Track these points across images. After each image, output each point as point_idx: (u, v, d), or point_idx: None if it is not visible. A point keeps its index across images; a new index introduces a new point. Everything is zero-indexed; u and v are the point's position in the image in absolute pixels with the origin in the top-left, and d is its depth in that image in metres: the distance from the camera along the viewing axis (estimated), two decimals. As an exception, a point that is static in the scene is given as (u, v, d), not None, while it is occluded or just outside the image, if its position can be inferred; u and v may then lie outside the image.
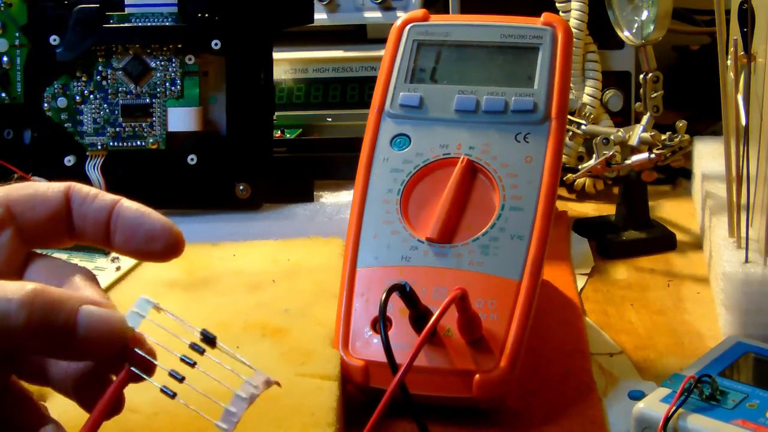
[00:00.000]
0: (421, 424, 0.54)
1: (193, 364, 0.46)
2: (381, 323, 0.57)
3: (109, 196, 0.51)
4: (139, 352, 0.47)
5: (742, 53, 0.71)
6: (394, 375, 0.54)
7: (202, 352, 0.47)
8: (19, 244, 0.50)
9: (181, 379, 0.46)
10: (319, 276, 0.72)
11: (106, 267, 0.74)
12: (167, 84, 0.83)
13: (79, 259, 0.75)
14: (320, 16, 0.95)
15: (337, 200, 0.85)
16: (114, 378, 0.47)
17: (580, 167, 0.86)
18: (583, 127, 0.88)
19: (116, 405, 0.48)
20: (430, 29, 0.71)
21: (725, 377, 0.58)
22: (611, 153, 0.82)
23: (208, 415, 0.46)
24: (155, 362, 0.47)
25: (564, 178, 0.90)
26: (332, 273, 0.69)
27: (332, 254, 0.75)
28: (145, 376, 0.47)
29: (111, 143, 0.83)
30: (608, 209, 0.89)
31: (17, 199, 0.50)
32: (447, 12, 0.96)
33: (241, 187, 0.83)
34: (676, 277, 0.79)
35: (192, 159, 0.82)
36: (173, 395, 0.46)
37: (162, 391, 0.46)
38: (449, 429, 0.59)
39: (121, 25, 0.82)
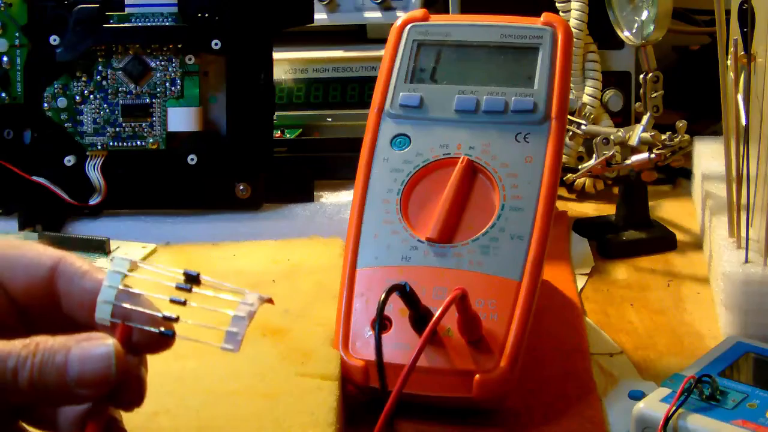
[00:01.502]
0: (389, 419, 0.54)
1: (183, 303, 0.46)
2: (377, 323, 0.57)
3: (96, 276, 0.48)
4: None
5: (742, 53, 0.71)
6: (380, 375, 0.55)
7: (189, 290, 0.46)
8: (7, 303, 0.48)
9: (176, 319, 0.46)
10: (319, 276, 0.72)
11: (105, 267, 0.74)
12: (167, 84, 0.82)
13: (79, 259, 0.75)
14: (320, 16, 0.95)
15: (337, 200, 0.84)
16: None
17: (580, 167, 0.86)
18: (583, 127, 0.88)
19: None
20: (430, 29, 0.71)
21: (725, 377, 0.58)
22: (611, 153, 0.82)
23: (209, 344, 0.45)
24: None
25: (564, 178, 0.90)
26: (332, 273, 0.69)
27: (332, 254, 0.75)
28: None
29: (111, 143, 0.83)
30: (608, 209, 0.89)
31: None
32: (447, 12, 0.96)
33: (241, 187, 0.83)
34: (676, 277, 0.79)
35: (192, 159, 0.82)
36: (176, 319, 0.45)
37: (161, 333, 0.45)
38: (449, 429, 0.59)
39: (121, 25, 0.82)
